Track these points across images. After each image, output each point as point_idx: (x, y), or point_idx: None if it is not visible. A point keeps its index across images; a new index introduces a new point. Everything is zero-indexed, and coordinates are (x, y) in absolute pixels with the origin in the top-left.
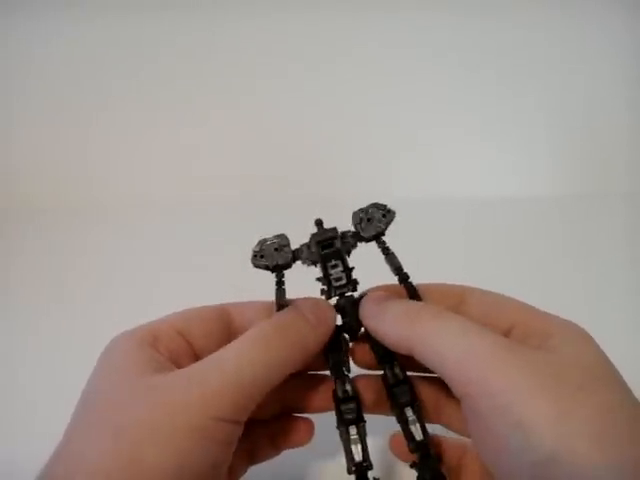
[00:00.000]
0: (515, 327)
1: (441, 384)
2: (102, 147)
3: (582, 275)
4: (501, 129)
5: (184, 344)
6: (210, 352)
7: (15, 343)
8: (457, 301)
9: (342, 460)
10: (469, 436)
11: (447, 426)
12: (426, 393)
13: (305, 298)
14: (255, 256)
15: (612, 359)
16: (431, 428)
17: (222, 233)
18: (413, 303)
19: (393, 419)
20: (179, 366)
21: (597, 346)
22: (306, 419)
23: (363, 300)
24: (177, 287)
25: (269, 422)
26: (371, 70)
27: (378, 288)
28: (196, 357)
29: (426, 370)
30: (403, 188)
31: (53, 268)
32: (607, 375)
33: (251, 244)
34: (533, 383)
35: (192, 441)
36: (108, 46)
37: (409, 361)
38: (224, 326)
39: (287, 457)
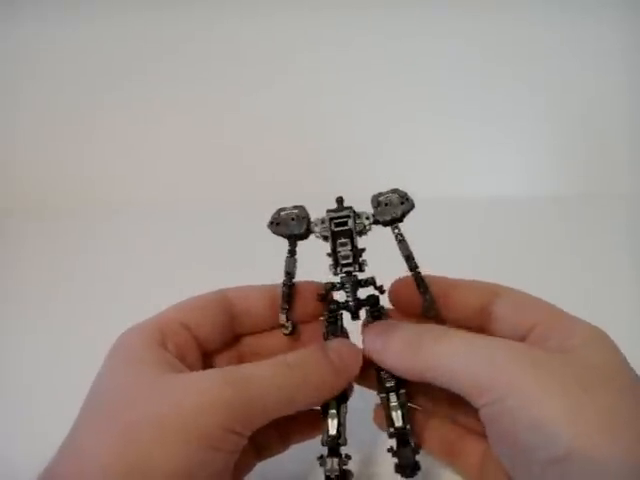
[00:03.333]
0: (537, 326)
1: None
2: (102, 147)
3: (583, 275)
4: (502, 129)
5: (190, 338)
6: (214, 342)
7: (15, 343)
8: (490, 297)
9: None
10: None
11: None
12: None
13: (336, 340)
14: (272, 223)
15: None
16: None
17: (222, 234)
18: (414, 328)
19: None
20: (186, 361)
21: (615, 348)
22: (314, 411)
23: (365, 333)
24: (178, 286)
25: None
26: (375, 70)
27: (398, 281)
28: (201, 350)
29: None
30: (403, 189)
31: (53, 268)
32: (620, 376)
33: (251, 245)
34: (546, 383)
35: (200, 447)
36: (108, 47)
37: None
38: (225, 312)
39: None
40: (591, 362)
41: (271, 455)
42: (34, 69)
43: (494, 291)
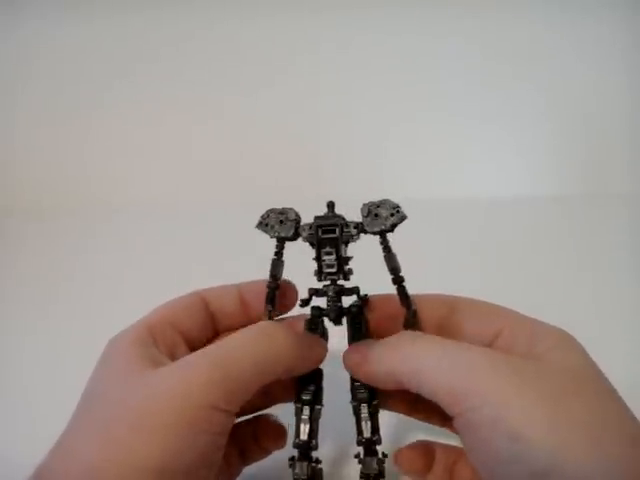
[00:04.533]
0: (503, 332)
1: None
2: (102, 147)
3: (583, 275)
4: (503, 129)
5: (178, 336)
6: (199, 339)
7: (15, 343)
8: (449, 310)
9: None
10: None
11: (453, 431)
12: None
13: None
14: (260, 223)
15: (611, 359)
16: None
17: (222, 234)
18: (392, 337)
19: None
20: (176, 359)
21: (583, 350)
22: (278, 425)
23: (344, 353)
24: (177, 286)
25: (252, 423)
26: (375, 71)
27: (380, 296)
28: (189, 347)
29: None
30: (401, 189)
31: (53, 268)
32: (593, 380)
33: (250, 245)
34: (522, 393)
35: (182, 432)
36: (108, 47)
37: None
38: (204, 309)
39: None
40: (564, 367)
41: (255, 460)
42: (34, 69)
43: (452, 303)
